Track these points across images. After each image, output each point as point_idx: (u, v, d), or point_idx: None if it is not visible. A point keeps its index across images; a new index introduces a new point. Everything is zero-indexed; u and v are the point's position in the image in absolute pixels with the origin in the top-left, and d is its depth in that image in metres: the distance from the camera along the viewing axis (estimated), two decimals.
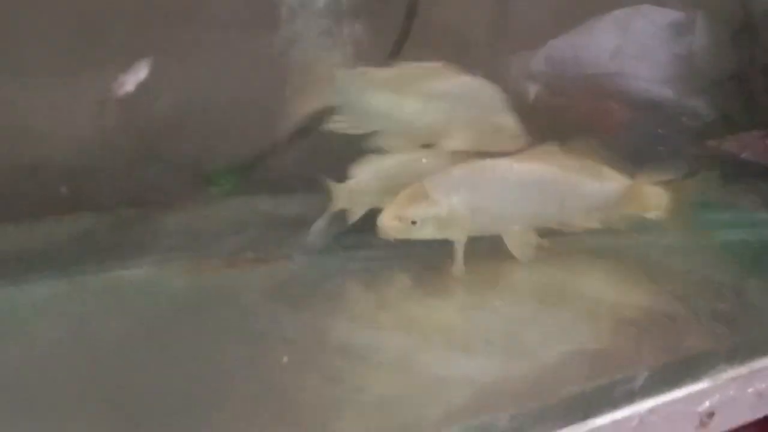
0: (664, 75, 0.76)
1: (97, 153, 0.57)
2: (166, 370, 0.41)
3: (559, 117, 0.70)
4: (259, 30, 0.60)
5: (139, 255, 0.54)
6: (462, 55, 0.64)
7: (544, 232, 0.56)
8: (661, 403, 0.40)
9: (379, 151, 0.57)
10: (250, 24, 0.61)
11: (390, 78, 0.58)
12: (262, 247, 0.56)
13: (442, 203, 0.53)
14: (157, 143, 0.58)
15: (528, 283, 0.55)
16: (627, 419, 0.39)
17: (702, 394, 0.42)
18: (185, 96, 0.60)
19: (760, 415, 0.45)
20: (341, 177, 0.57)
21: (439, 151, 0.58)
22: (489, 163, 0.56)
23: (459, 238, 0.53)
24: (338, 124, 0.57)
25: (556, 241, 0.57)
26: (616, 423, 0.39)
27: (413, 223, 0.52)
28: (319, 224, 0.57)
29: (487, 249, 0.54)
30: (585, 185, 0.57)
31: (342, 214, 0.57)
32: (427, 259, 0.55)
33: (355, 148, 0.57)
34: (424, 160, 0.57)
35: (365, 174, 0.57)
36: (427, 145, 0.58)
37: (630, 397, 0.40)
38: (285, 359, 0.42)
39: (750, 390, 0.44)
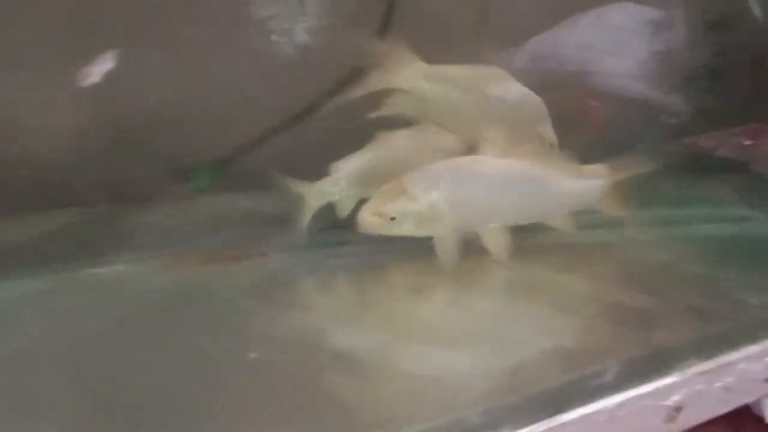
0: (644, 71, 0.76)
1: (75, 149, 0.57)
2: (144, 366, 0.41)
3: None
4: (240, 24, 0.60)
5: (118, 251, 0.54)
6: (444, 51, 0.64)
7: (521, 229, 0.56)
8: (630, 398, 0.40)
9: (361, 146, 0.58)
10: (230, 18, 0.61)
11: (450, 75, 0.59)
12: (241, 244, 0.57)
13: (422, 199, 0.53)
14: (136, 139, 0.59)
15: (500, 279, 0.56)
16: (595, 413, 0.39)
17: (670, 389, 0.42)
18: (163, 92, 0.60)
19: (727, 409, 0.45)
20: (321, 174, 0.57)
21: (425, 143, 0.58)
22: (469, 159, 0.56)
23: (439, 234, 0.53)
24: (393, 107, 0.58)
25: (536, 236, 0.58)
26: (584, 417, 0.39)
27: (392, 219, 0.52)
28: (299, 222, 0.57)
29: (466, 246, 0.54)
30: (564, 182, 0.57)
31: (319, 213, 0.57)
32: (407, 255, 0.55)
33: (336, 143, 0.57)
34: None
35: (341, 172, 0.57)
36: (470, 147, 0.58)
37: (599, 392, 0.40)
38: (253, 355, 0.42)
39: (718, 384, 0.44)
